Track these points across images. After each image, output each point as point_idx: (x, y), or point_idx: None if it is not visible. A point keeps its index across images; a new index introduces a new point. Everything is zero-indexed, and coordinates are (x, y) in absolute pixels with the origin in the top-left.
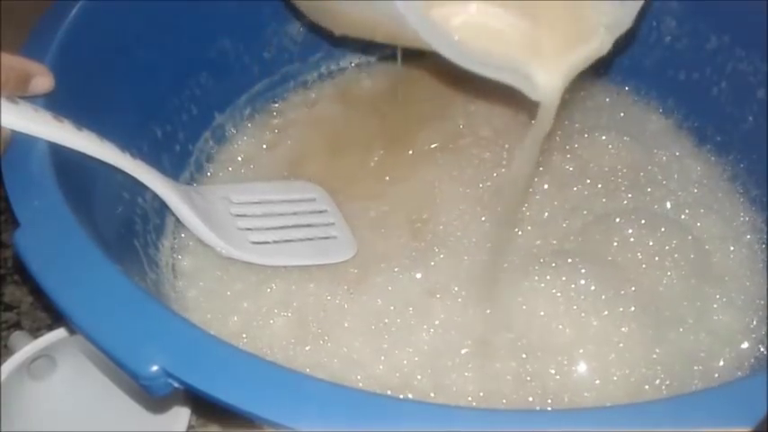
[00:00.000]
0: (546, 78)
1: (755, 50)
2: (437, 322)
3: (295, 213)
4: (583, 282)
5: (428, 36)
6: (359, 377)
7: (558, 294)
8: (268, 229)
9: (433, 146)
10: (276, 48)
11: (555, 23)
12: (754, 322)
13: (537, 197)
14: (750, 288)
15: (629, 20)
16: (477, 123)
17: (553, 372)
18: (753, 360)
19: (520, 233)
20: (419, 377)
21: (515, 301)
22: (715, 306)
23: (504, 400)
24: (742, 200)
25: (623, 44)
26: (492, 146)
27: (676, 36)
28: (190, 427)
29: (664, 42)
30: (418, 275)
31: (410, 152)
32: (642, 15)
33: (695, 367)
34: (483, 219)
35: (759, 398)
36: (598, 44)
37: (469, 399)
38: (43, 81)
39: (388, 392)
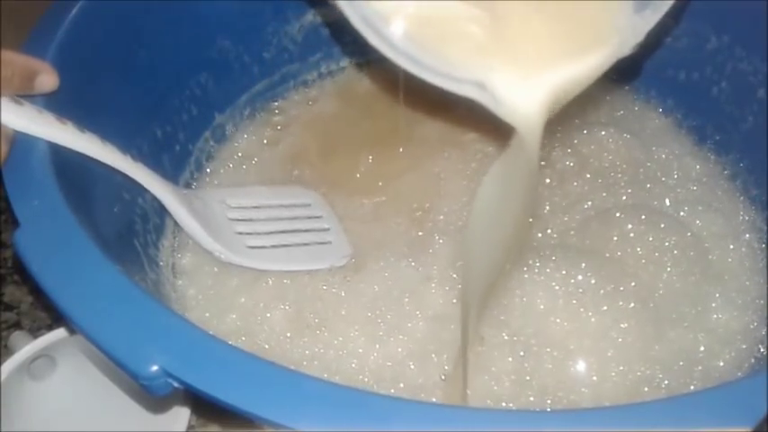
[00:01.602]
0: (522, 100)
1: (755, 50)
2: (433, 311)
3: (291, 218)
4: (581, 276)
5: (360, 27)
6: (353, 366)
7: (557, 288)
8: (264, 233)
9: (436, 141)
10: (276, 48)
11: (542, 27)
12: (754, 322)
13: (539, 191)
14: (750, 287)
15: (639, 36)
16: (481, 119)
17: (550, 366)
18: (753, 360)
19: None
20: (413, 366)
21: (514, 294)
22: (714, 305)
23: (501, 395)
24: (742, 198)
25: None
26: (495, 141)
27: (676, 36)
28: (190, 427)
29: (664, 42)
30: (414, 262)
31: (413, 147)
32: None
33: (694, 367)
34: None
35: (759, 398)
36: (597, 62)
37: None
38: (48, 79)
39: (382, 383)
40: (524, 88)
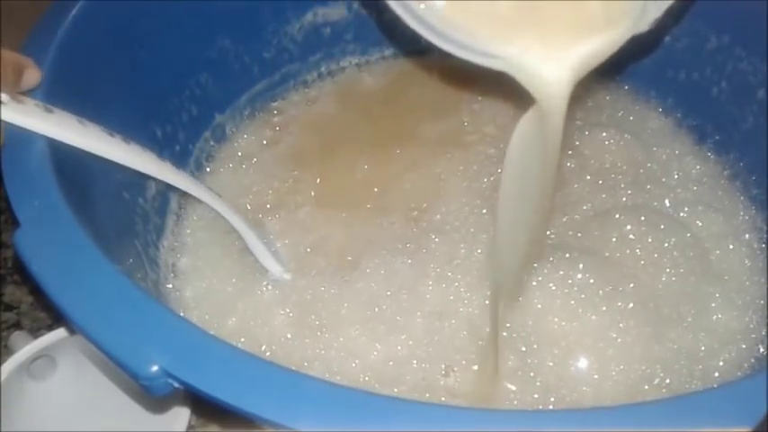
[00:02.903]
0: (552, 72)
1: (755, 50)
2: (431, 307)
3: None
4: (580, 276)
5: (398, 11)
6: (354, 366)
7: (554, 288)
8: None
9: (439, 142)
10: (276, 48)
11: (567, 6)
12: (754, 322)
13: None
14: (750, 287)
15: (659, 12)
16: (482, 121)
17: (551, 364)
18: (753, 360)
19: None
20: (414, 363)
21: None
22: (714, 305)
23: (508, 393)
24: (742, 198)
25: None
26: (497, 142)
27: (676, 36)
28: (190, 427)
29: (664, 42)
30: (410, 260)
31: (415, 147)
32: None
33: (695, 366)
34: (484, 211)
35: (759, 398)
36: (618, 35)
37: (460, 387)
38: (34, 74)
39: (384, 382)
40: (553, 62)
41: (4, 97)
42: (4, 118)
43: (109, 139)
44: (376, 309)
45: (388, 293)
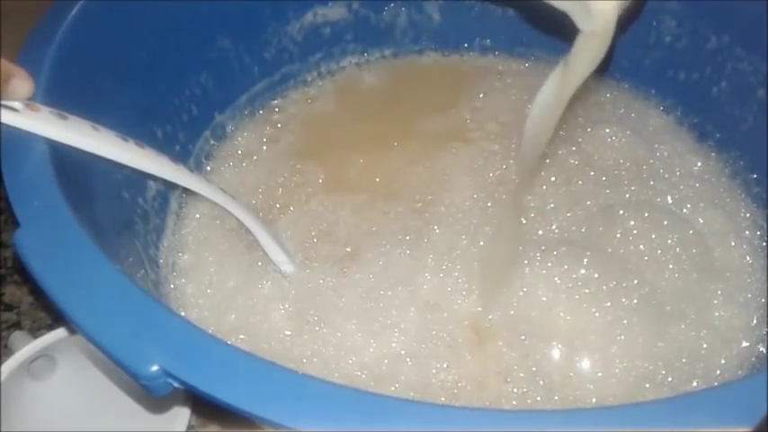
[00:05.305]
0: (603, 6)
1: (755, 50)
2: (425, 300)
3: None
4: (584, 271)
5: None
6: (351, 363)
7: (558, 281)
8: None
9: (443, 137)
10: (276, 48)
11: None
12: (755, 320)
13: (543, 188)
14: (751, 285)
15: None
16: (484, 119)
17: (552, 360)
18: (753, 359)
19: (524, 221)
20: (408, 361)
21: (514, 285)
22: (716, 302)
23: (500, 389)
24: (743, 196)
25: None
26: (500, 139)
27: (676, 36)
28: (190, 427)
29: (664, 42)
30: (409, 250)
31: (419, 143)
32: (642, 15)
33: (697, 364)
34: (489, 204)
35: (759, 398)
36: None
37: (460, 384)
38: (22, 84)
39: (379, 378)
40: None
41: (19, 105)
42: (19, 126)
43: (123, 144)
44: (372, 303)
45: (386, 285)
